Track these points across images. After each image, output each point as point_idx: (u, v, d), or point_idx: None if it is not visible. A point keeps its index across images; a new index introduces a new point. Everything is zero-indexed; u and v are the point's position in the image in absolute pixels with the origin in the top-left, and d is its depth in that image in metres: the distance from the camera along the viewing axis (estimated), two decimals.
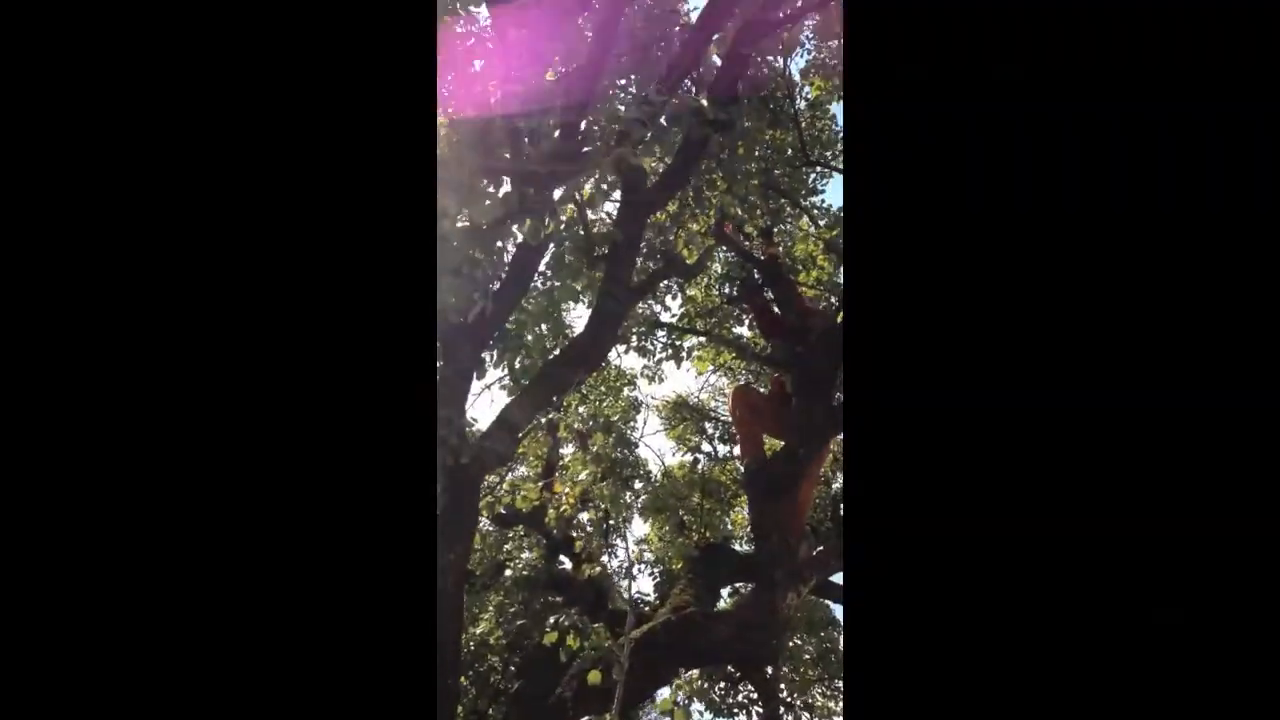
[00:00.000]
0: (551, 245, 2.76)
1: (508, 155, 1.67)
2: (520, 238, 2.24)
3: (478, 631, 4.47)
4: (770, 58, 3.40)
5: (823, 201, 5.03)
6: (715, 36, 2.71)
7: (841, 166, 5.03)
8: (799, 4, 3.03)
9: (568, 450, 5.28)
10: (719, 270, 4.99)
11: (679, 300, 5.12)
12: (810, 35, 4.55)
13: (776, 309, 4.08)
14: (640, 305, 4.76)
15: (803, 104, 4.71)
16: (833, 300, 4.48)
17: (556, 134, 1.74)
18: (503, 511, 4.64)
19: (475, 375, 3.23)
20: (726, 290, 5.01)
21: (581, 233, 2.48)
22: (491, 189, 1.78)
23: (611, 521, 5.10)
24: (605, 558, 4.71)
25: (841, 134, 5.05)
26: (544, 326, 3.78)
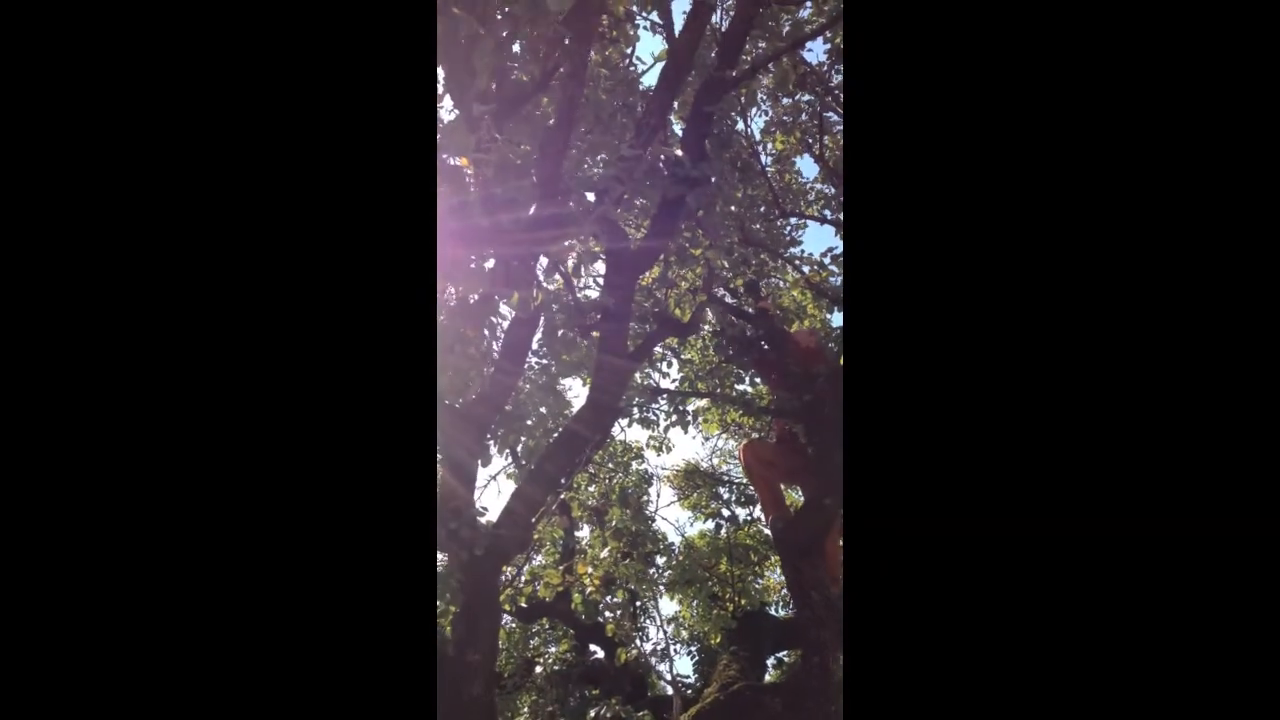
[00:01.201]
0: (543, 319, 2.74)
1: (486, 225, 1.66)
2: (509, 312, 2.22)
3: None
4: (732, 114, 3.50)
5: (802, 251, 5.11)
6: (676, 100, 2.78)
7: (815, 214, 5.12)
8: (751, 60, 3.14)
9: (584, 532, 5.12)
10: (712, 329, 4.99)
11: (676, 366, 5.10)
12: (765, 96, 4.73)
13: (776, 360, 4.05)
14: (639, 375, 4.74)
15: (768, 160, 4.85)
16: (831, 345, 4.47)
17: (535, 202, 1.74)
18: (524, 605, 4.45)
19: (480, 463, 3.15)
20: (724, 348, 5.00)
21: (571, 302, 2.47)
22: (476, 262, 1.77)
23: (639, 602, 4.89)
24: (638, 640, 4.48)
25: (810, 184, 5.20)
26: (543, 408, 3.73)
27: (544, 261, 2.00)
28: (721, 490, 5.85)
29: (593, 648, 4.53)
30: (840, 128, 4.89)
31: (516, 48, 2.81)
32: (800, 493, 4.20)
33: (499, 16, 2.72)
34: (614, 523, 4.47)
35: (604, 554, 4.17)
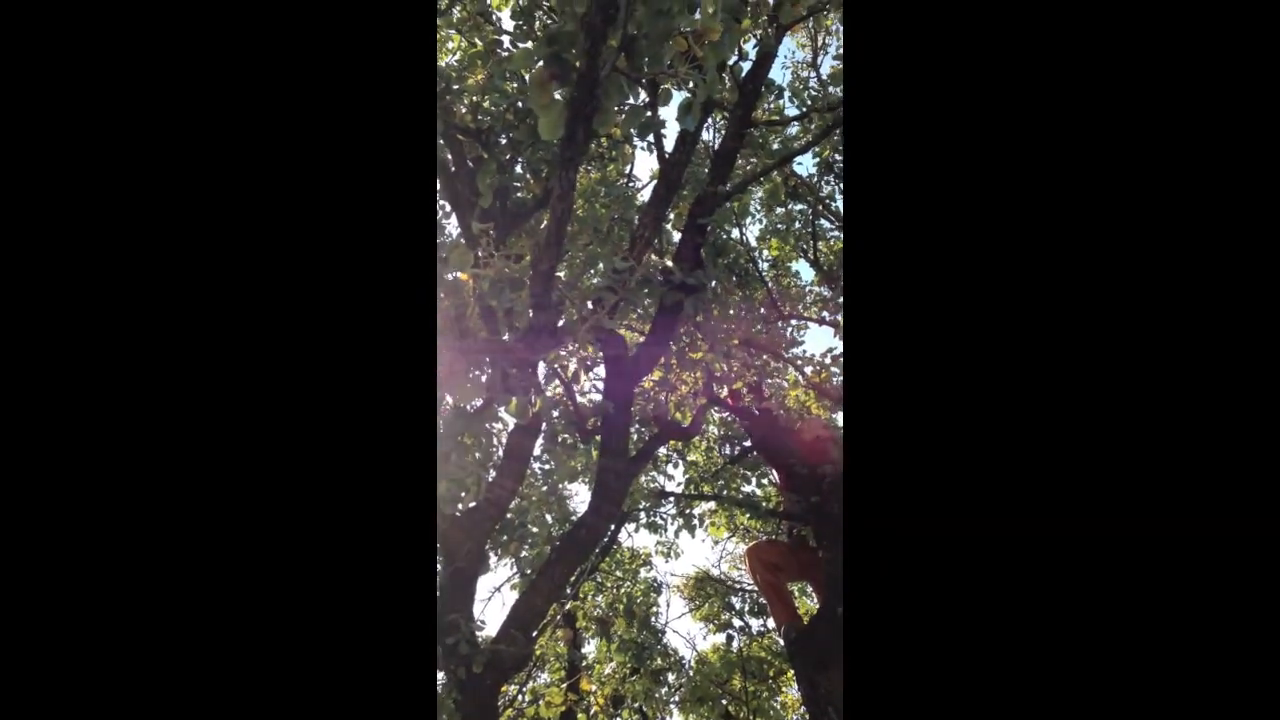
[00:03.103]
0: (544, 426, 2.76)
1: (484, 335, 1.71)
2: (509, 420, 2.24)
3: None
4: (726, 225, 3.66)
5: (804, 351, 5.17)
6: (670, 213, 2.92)
7: (813, 315, 5.23)
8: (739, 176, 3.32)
9: (590, 648, 4.91)
10: (716, 432, 4.98)
11: (681, 468, 5.05)
12: (759, 206, 4.95)
13: (782, 462, 4.01)
14: (644, 478, 4.68)
15: (765, 265, 5.01)
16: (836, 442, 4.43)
17: (531, 312, 1.80)
18: None
19: (480, 572, 3.08)
20: (728, 451, 4.97)
21: (571, 408, 2.49)
22: (474, 372, 1.81)
23: None
24: None
25: (807, 287, 5.34)
26: (549, 515, 3.68)
27: (542, 368, 2.04)
28: (734, 599, 5.64)
29: None
30: (833, 234, 5.08)
31: (519, 168, 2.99)
32: (814, 599, 4.05)
33: (502, 141, 2.91)
34: (620, 634, 4.29)
35: (610, 669, 3.96)
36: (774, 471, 4.20)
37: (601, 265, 2.41)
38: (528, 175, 2.64)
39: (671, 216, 3.38)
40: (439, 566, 2.80)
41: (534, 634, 3.21)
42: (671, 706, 4.76)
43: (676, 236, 3.31)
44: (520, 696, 4.28)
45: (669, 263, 2.17)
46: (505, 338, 1.85)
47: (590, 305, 2.15)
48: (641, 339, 3.28)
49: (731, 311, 3.88)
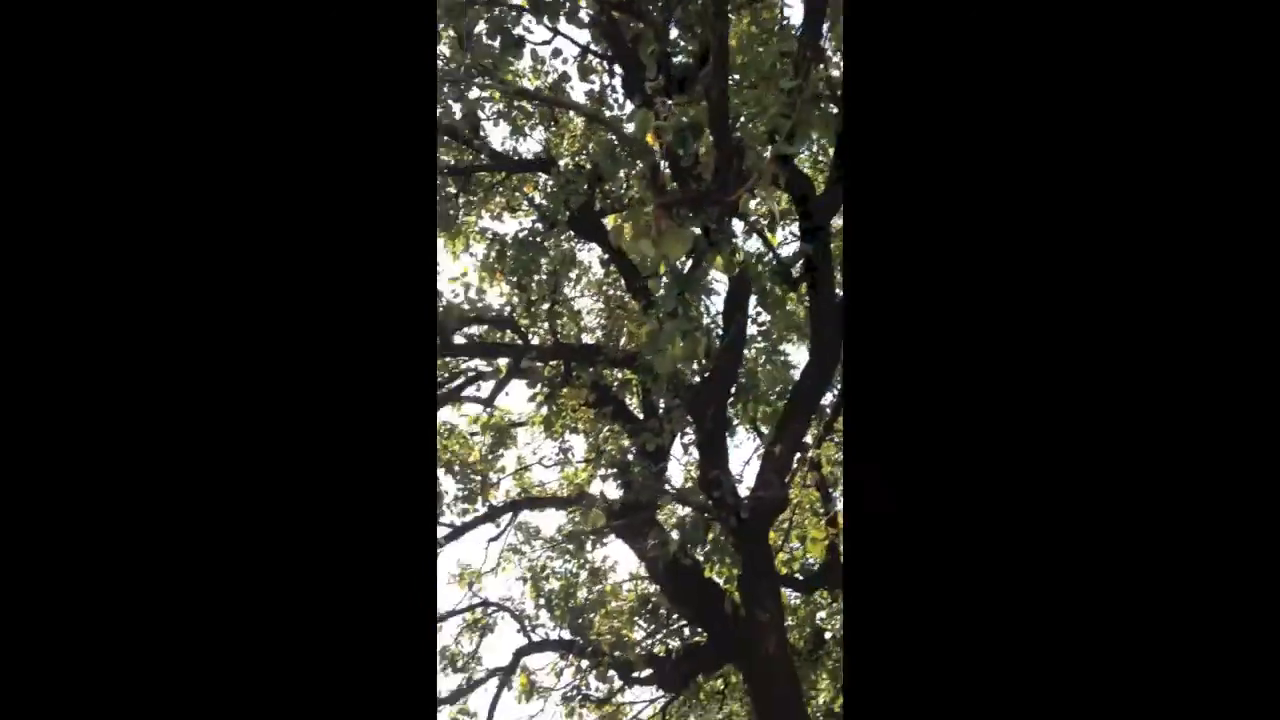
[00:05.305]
0: (753, 285, 2.82)
1: (678, 190, 1.79)
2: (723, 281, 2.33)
3: (820, 701, 4.23)
4: None
5: None
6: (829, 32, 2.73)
7: None
8: None
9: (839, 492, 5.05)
10: None
11: None
12: None
13: None
14: None
15: None
16: None
17: (715, 155, 1.84)
18: (799, 576, 4.50)
19: (727, 434, 3.32)
20: None
21: (772, 257, 2.53)
22: (676, 225, 1.90)
23: None
24: None
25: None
26: (772, 366, 3.80)
27: (740, 225, 2.10)
28: None
29: None
30: None
31: (672, 33, 2.98)
32: None
33: (653, 10, 2.90)
34: None
35: None
36: None
37: (771, 97, 2.38)
38: (681, 40, 2.65)
39: (830, 39, 3.18)
40: (689, 432, 3.06)
41: (785, 480, 3.41)
42: None
43: (838, 58, 3.11)
44: (787, 543, 4.57)
45: (835, 73, 2.07)
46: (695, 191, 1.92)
47: (770, 146, 2.14)
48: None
49: None
